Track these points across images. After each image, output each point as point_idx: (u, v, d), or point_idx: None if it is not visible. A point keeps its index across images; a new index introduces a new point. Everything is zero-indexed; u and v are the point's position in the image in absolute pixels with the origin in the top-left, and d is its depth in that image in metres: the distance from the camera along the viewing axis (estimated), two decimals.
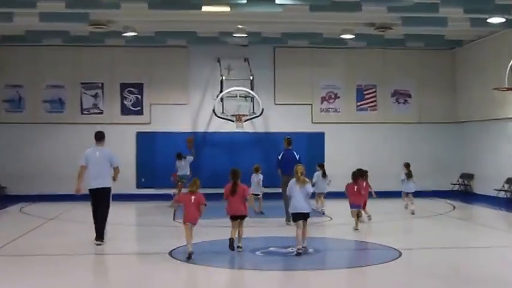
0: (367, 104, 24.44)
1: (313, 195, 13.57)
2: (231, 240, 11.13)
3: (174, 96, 23.51)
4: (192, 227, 10.85)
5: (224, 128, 22.63)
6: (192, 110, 23.62)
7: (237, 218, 11.37)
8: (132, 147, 23.25)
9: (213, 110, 21.51)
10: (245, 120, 21.27)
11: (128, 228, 15.21)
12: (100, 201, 12.36)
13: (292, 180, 11.33)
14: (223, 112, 21.45)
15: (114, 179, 12.44)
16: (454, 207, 19.52)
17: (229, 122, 21.41)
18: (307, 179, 11.29)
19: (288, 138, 15.78)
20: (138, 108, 23.57)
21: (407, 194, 18.09)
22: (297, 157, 15.07)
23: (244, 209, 11.44)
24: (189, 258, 10.48)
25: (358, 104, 24.40)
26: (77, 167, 12.43)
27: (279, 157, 15.29)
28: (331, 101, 24.29)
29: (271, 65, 23.97)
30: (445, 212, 18.28)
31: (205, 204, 10.94)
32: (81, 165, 12.38)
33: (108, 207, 12.46)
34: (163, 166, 22.05)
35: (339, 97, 24.32)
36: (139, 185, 23.25)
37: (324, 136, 23.84)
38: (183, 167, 19.66)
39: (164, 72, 23.47)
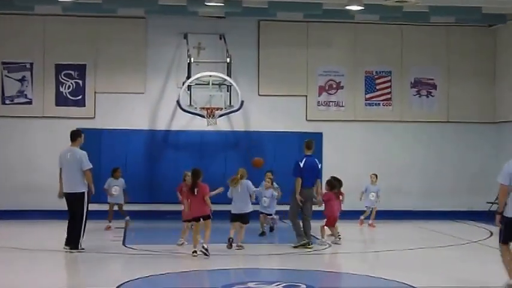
0: (379, 96, 24.51)
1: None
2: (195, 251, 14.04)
3: (127, 83, 23.41)
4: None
5: (192, 125, 22.70)
6: (151, 101, 23.56)
7: (199, 220, 14.15)
8: None
9: (178, 102, 21.50)
10: (219, 116, 21.31)
11: (64, 255, 15.04)
12: (73, 208, 14.88)
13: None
14: (190, 104, 21.46)
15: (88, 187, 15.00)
16: (492, 234, 19.55)
17: (199, 117, 21.42)
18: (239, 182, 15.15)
19: (307, 141, 16.65)
20: (79, 97, 23.42)
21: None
22: (319, 167, 16.30)
23: (207, 209, 14.08)
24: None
25: (367, 96, 24.47)
26: None
27: (301, 164, 15.84)
28: (332, 92, 24.33)
29: (255, 44, 23.97)
30: (480, 240, 18.31)
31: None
32: (59, 167, 15.21)
33: (81, 216, 14.76)
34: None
35: (342, 87, 24.36)
36: None
37: (321, 138, 23.68)
38: None
39: (114, 51, 23.36)
